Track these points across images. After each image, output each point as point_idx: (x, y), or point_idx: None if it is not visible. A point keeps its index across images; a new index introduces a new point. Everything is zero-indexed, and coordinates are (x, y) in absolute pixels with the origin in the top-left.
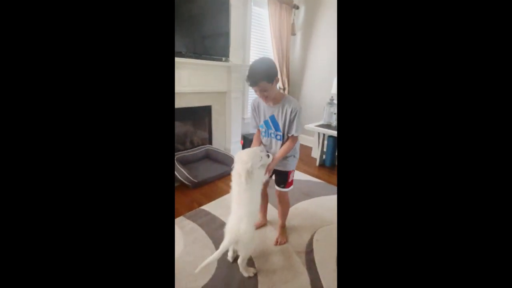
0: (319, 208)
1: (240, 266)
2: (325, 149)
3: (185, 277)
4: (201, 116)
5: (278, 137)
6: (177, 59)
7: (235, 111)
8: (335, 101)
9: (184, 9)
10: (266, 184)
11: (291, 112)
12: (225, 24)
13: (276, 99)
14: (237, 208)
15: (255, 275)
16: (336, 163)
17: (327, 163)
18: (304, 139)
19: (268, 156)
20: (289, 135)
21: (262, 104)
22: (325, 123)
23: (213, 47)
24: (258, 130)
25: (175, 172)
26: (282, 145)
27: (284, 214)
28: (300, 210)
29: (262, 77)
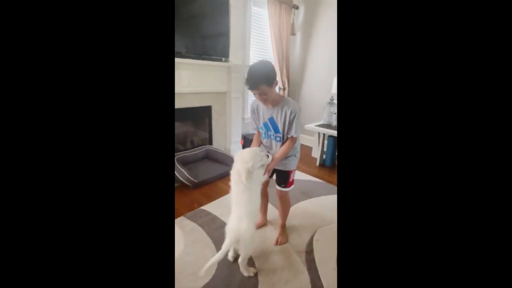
0: (319, 207)
1: (240, 265)
2: (325, 149)
3: (185, 277)
4: (201, 116)
5: (278, 138)
6: (177, 60)
7: (235, 111)
8: (335, 101)
9: (184, 9)
10: (266, 184)
11: (290, 113)
12: (225, 24)
13: (275, 101)
14: (237, 208)
15: (256, 274)
16: (336, 163)
17: (327, 163)
18: (304, 139)
19: (268, 156)
20: (288, 136)
21: (261, 106)
22: (325, 123)
23: (213, 47)
24: (258, 131)
25: (175, 172)
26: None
27: (284, 214)
28: (300, 209)
29: (262, 80)
